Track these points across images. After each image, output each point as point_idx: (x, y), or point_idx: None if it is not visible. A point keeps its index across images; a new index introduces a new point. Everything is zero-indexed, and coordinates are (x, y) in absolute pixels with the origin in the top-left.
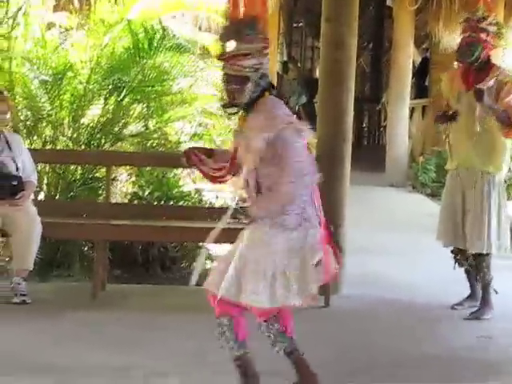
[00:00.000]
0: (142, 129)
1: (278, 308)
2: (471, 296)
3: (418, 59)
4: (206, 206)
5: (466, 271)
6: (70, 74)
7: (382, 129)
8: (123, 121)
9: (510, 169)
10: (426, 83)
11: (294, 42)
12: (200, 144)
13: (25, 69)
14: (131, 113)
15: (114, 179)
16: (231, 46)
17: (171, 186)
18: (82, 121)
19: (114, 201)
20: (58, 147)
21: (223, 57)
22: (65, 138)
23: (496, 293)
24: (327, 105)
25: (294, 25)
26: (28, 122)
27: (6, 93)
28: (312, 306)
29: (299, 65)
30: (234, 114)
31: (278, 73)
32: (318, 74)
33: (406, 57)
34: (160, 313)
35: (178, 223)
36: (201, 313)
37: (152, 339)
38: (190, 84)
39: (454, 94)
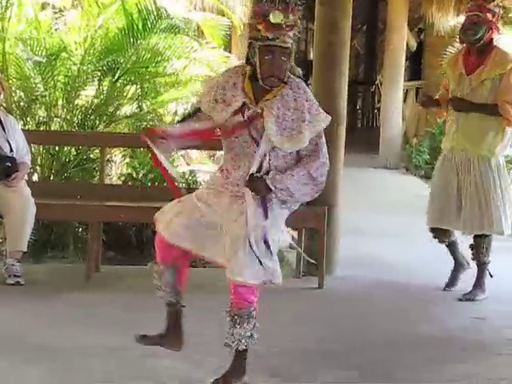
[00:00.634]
0: (136, 110)
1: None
2: (456, 269)
3: (414, 43)
4: (199, 187)
5: (448, 245)
6: (63, 55)
7: (376, 111)
8: (117, 102)
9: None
10: (421, 66)
11: None
12: None
13: (18, 50)
14: (125, 94)
15: (108, 160)
16: (276, 16)
17: None
18: (75, 102)
19: (108, 182)
20: (52, 128)
21: (277, 28)
22: (58, 120)
23: (491, 276)
24: (321, 87)
25: None
26: (22, 103)
27: None
28: (305, 287)
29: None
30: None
31: None
32: (312, 56)
33: (400, 39)
34: (153, 294)
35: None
36: (194, 293)
37: (146, 320)
38: (185, 65)
39: (455, 76)
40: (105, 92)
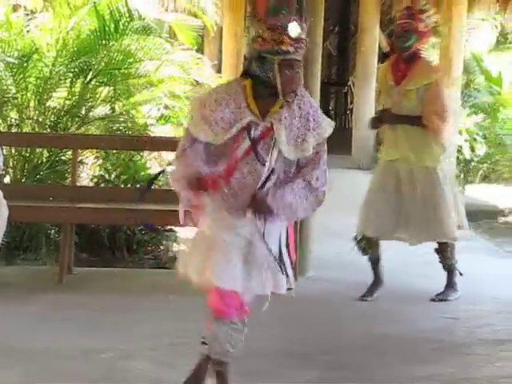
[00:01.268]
0: (109, 112)
1: None
2: (375, 283)
3: (386, 45)
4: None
5: (373, 259)
6: (35, 56)
7: (348, 112)
8: (89, 104)
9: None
10: None
11: None
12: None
13: None
14: (97, 96)
15: (80, 162)
16: (295, 29)
17: (138, 168)
18: (48, 104)
19: (80, 184)
20: (24, 130)
21: (297, 41)
22: (31, 121)
23: (461, 275)
24: None
25: None
26: None
27: None
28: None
29: None
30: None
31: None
32: None
33: (372, 40)
34: (127, 296)
35: (145, 206)
36: (167, 295)
37: (119, 322)
38: (157, 67)
39: (386, 87)
40: (77, 94)
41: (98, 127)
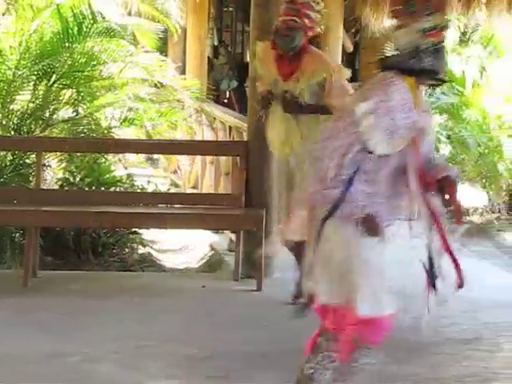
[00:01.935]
0: (73, 114)
1: None
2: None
3: (350, 45)
4: (138, 190)
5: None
6: None
7: None
8: (53, 106)
9: (437, 150)
10: (356, 67)
11: (224, 27)
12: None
13: None
14: (61, 98)
15: (44, 165)
16: None
17: (103, 171)
18: (11, 107)
19: (44, 187)
20: None
21: None
22: None
23: None
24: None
25: (225, 9)
26: None
27: None
28: (244, 290)
29: (230, 49)
30: None
31: (208, 57)
32: (248, 58)
33: (336, 41)
34: (92, 298)
35: (110, 209)
36: (133, 297)
37: (85, 325)
38: (121, 69)
39: (269, 80)
40: (40, 96)
41: (61, 130)
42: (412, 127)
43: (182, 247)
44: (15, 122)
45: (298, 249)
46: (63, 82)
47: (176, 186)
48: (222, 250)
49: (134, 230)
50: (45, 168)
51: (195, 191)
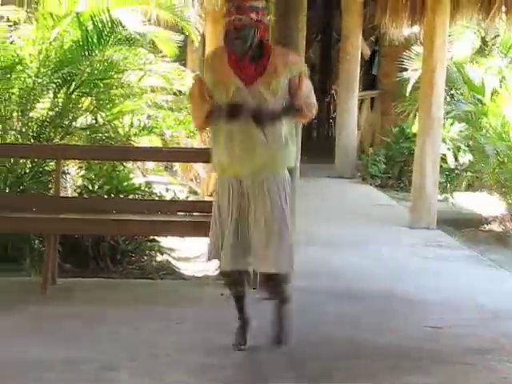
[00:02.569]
0: (92, 122)
1: None
2: (244, 325)
3: (368, 53)
4: (157, 198)
5: (240, 296)
6: (18, 67)
7: (331, 120)
8: (72, 114)
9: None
10: (375, 73)
11: None
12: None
13: None
14: (80, 106)
15: (63, 173)
16: None
17: (121, 179)
18: (31, 114)
19: (63, 194)
20: (7, 141)
21: None
22: (14, 132)
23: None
24: None
25: None
26: None
27: None
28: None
29: None
30: None
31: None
32: None
33: (355, 48)
34: (111, 306)
35: (129, 216)
36: (151, 306)
37: (102, 332)
38: (140, 77)
39: (227, 87)
40: (60, 104)
41: (80, 137)
42: None
43: (200, 255)
44: (35, 129)
45: (237, 280)
46: (83, 89)
47: (195, 193)
48: None
49: (152, 237)
50: (64, 175)
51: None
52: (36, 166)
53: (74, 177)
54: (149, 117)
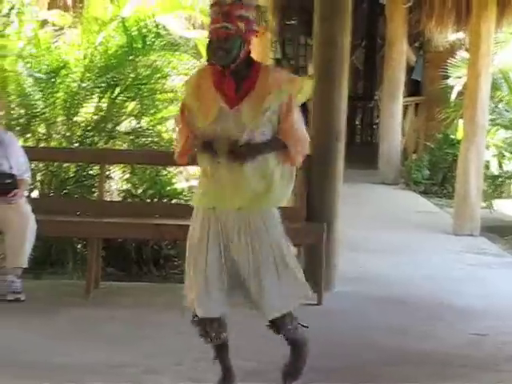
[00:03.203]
0: (136, 127)
1: None
2: (226, 377)
3: (413, 59)
4: None
5: (219, 345)
6: (63, 71)
7: (374, 126)
8: (116, 119)
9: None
10: (414, 77)
11: (287, 40)
12: None
13: (18, 67)
14: (124, 111)
15: (107, 177)
16: None
17: (164, 183)
18: (75, 119)
19: (107, 199)
20: (52, 145)
21: None
22: (58, 136)
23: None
24: (320, 103)
25: (287, 22)
26: (21, 120)
27: None
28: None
29: (292, 62)
30: None
31: None
32: (310, 71)
33: (399, 54)
34: (153, 310)
35: (172, 221)
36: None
37: (145, 336)
38: (184, 82)
39: (209, 112)
40: (104, 108)
41: (124, 142)
42: None
43: None
44: (79, 134)
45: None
46: (127, 94)
47: None
48: None
49: None
50: (108, 180)
51: None
52: (80, 170)
53: (117, 181)
54: None
